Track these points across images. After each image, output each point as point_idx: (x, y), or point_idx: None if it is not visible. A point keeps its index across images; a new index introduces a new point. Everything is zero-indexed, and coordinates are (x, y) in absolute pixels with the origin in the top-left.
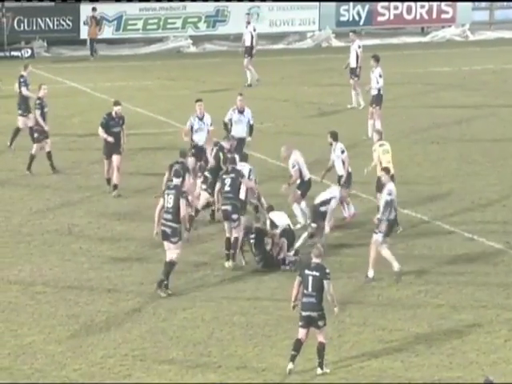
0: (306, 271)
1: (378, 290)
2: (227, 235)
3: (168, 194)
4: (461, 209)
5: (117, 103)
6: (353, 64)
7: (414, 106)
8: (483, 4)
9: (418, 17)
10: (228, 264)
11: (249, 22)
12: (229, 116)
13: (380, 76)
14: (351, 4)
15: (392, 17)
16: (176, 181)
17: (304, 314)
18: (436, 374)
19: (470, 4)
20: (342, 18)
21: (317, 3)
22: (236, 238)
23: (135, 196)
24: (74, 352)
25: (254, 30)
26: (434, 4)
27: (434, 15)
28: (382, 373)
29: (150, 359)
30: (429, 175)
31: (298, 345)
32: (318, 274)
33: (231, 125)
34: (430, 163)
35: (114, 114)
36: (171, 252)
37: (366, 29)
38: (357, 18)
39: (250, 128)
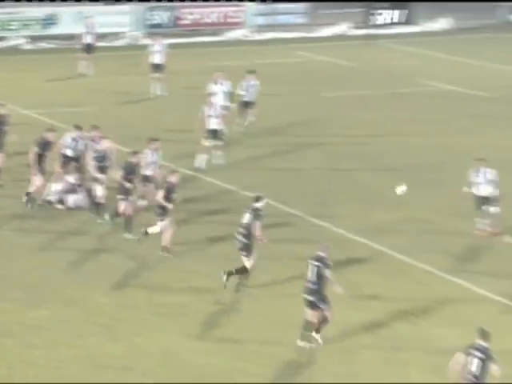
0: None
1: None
2: None
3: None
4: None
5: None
6: (161, 61)
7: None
8: (267, 10)
9: (213, 20)
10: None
11: (87, 25)
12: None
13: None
14: (158, 10)
15: (191, 21)
16: None
17: None
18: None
19: (255, 10)
20: (150, 22)
21: (128, 8)
22: None
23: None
24: None
25: (93, 29)
26: (226, 10)
27: (226, 19)
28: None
29: None
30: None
31: None
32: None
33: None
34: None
35: None
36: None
37: (170, 30)
38: (163, 21)
39: (231, 95)
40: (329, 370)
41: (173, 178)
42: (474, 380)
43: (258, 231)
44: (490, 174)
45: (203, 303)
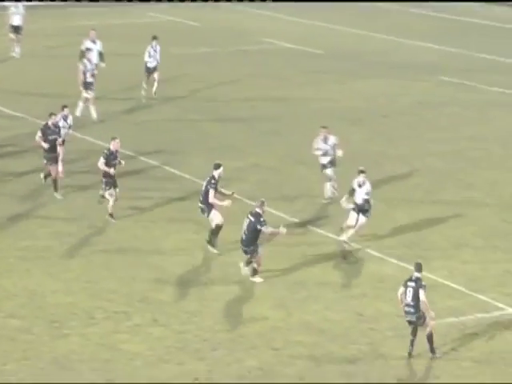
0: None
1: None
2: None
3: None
4: None
5: None
6: (20, 22)
7: (71, 55)
8: None
9: None
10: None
11: None
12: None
13: None
14: None
15: None
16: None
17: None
18: None
19: None
20: None
21: None
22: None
23: None
24: None
25: None
26: None
27: None
28: None
29: None
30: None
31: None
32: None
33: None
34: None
35: None
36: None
37: None
38: None
39: (101, 55)
40: (181, 306)
41: (112, 146)
42: (410, 309)
43: (210, 198)
44: (331, 139)
45: (64, 246)
